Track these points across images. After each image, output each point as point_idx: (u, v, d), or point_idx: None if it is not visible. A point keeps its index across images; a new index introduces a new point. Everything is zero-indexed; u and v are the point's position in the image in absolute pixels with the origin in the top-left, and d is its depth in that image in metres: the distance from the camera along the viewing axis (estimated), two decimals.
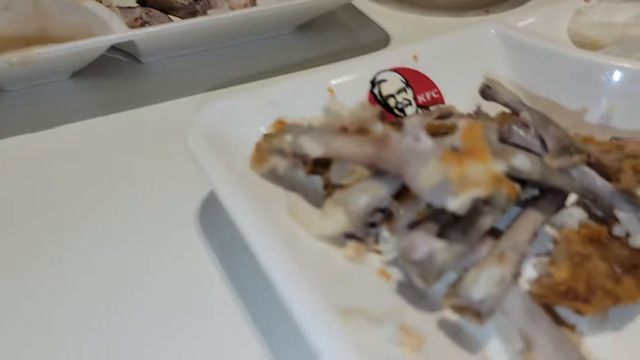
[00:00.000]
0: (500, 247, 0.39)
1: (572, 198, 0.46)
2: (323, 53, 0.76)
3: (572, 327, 0.40)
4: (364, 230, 0.43)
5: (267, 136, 0.45)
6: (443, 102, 0.56)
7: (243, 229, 0.38)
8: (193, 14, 0.75)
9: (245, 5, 0.77)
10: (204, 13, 0.74)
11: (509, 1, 0.88)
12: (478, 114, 0.53)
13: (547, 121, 0.43)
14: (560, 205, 0.44)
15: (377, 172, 0.42)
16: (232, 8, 0.74)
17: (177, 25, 0.65)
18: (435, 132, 0.48)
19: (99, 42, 0.61)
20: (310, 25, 0.81)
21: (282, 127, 0.46)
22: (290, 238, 0.38)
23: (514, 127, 0.44)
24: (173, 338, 0.40)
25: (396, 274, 0.41)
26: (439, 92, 0.56)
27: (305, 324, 0.32)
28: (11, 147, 0.59)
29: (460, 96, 0.56)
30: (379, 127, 0.44)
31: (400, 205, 0.42)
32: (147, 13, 0.71)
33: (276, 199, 0.43)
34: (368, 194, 0.40)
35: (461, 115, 0.54)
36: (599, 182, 0.42)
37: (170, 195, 0.53)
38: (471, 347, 0.38)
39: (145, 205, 0.52)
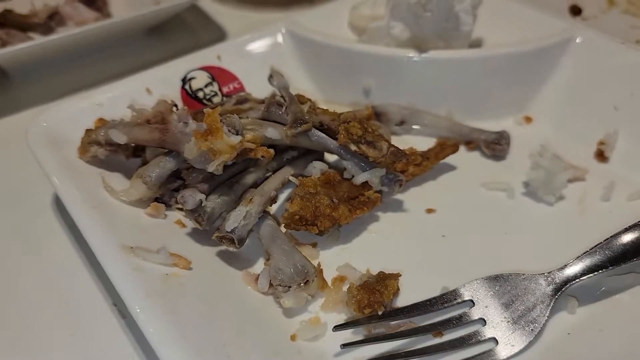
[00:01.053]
0: (250, 194, 0.55)
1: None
2: (170, 54, 0.90)
3: (314, 244, 0.57)
4: (168, 194, 0.59)
5: (87, 131, 0.59)
6: (244, 91, 0.72)
7: (65, 201, 0.53)
8: (49, 30, 0.87)
9: (96, 19, 0.89)
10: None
11: None
12: (270, 98, 0.69)
13: (292, 101, 0.60)
14: (313, 161, 0.61)
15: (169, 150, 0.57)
16: (80, 23, 0.86)
17: (34, 43, 0.77)
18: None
19: None
20: (159, 29, 0.94)
21: (101, 123, 0.61)
22: (100, 205, 0.53)
23: (272, 108, 0.60)
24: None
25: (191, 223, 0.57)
26: (240, 83, 0.72)
27: (101, 257, 0.48)
28: None
29: (259, 85, 0.72)
30: (174, 117, 0.59)
31: (192, 172, 0.58)
32: (6, 34, 0.83)
33: (98, 178, 0.58)
34: (158, 167, 0.56)
35: (256, 101, 0.70)
36: (328, 141, 0.59)
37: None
38: (238, 265, 0.55)
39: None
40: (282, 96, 0.62)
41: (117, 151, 0.60)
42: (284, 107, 0.60)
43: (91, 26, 0.80)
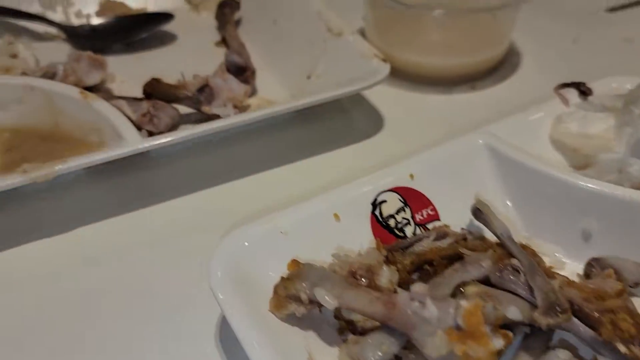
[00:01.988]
0: None
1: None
2: (321, 137, 0.81)
3: None
4: None
5: (284, 280, 0.49)
6: (438, 219, 0.61)
7: None
8: (197, 104, 0.78)
9: (245, 93, 0.80)
10: (208, 104, 0.77)
11: (493, 76, 0.93)
12: (471, 235, 0.59)
13: (534, 270, 0.48)
14: (547, 341, 0.50)
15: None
16: (234, 101, 0.77)
17: (187, 133, 0.67)
18: (435, 258, 0.54)
19: (113, 155, 0.64)
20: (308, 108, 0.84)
21: (297, 268, 0.51)
22: None
23: (505, 273, 0.49)
24: None
25: None
26: (434, 209, 0.61)
27: None
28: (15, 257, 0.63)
29: (453, 211, 0.61)
30: (385, 273, 0.49)
31: (409, 353, 0.47)
32: (153, 106, 0.74)
33: (296, 343, 0.48)
34: (381, 351, 0.45)
35: (455, 235, 0.59)
36: (582, 329, 0.47)
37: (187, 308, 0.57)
38: None
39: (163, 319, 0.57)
40: (510, 252, 0.51)
41: (315, 306, 0.50)
42: (522, 274, 0.49)
43: (254, 114, 0.70)
